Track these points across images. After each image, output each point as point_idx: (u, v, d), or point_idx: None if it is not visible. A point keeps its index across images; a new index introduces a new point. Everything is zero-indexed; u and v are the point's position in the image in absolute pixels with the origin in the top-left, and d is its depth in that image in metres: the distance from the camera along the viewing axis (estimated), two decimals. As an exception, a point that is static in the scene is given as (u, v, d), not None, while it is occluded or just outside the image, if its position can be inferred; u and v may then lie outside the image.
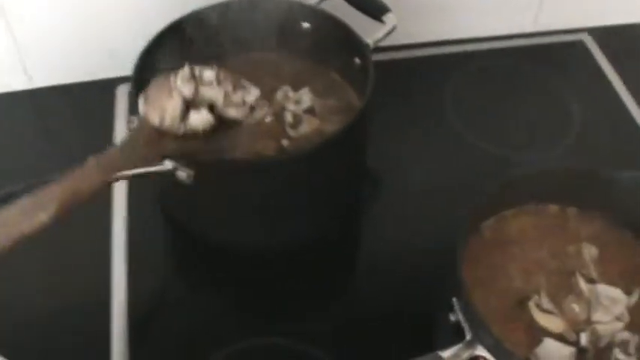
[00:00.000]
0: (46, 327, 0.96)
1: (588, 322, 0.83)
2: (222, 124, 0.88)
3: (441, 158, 1.18)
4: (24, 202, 0.77)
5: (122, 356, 0.93)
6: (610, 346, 0.81)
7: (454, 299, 0.79)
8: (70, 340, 0.95)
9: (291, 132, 1.02)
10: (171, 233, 1.09)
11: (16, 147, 1.16)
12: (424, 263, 1.02)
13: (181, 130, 0.85)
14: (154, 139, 0.85)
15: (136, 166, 0.83)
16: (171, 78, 0.86)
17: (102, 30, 1.20)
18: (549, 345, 0.80)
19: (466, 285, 0.79)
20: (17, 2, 1.14)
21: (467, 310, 0.77)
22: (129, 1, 1.18)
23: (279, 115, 1.04)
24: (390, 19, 1.05)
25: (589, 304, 0.83)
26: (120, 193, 1.09)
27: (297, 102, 1.04)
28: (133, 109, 0.93)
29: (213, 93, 0.87)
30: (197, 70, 0.88)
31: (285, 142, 1.00)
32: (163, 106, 0.85)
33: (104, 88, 1.24)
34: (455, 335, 0.78)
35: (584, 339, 0.80)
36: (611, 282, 0.85)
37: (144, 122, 0.86)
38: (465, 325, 0.77)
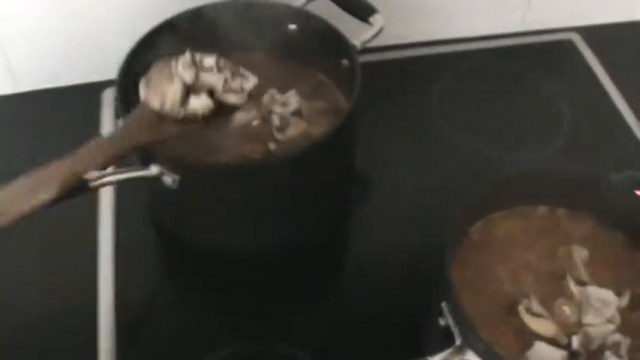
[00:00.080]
0: (32, 333, 0.95)
1: (579, 324, 0.82)
2: (221, 110, 0.91)
3: (430, 159, 1.18)
4: (26, 181, 0.78)
5: (110, 362, 0.93)
6: (601, 349, 0.80)
7: (443, 303, 0.78)
8: (57, 346, 0.94)
9: (279, 135, 1.01)
10: (159, 238, 1.09)
11: (0, 151, 1.16)
12: (413, 265, 1.01)
13: (181, 114, 0.88)
14: (154, 123, 0.87)
15: (135, 149, 0.86)
16: (173, 63, 0.89)
17: (89, 33, 1.20)
18: (540, 349, 0.79)
19: (455, 289, 0.78)
20: (2, 6, 1.13)
21: (456, 314, 0.77)
22: (116, 4, 1.17)
23: (266, 118, 1.03)
24: (377, 20, 1.05)
25: (580, 306, 0.83)
26: (107, 198, 1.09)
27: (284, 104, 1.04)
28: (118, 112, 0.93)
29: (213, 79, 0.90)
30: (197, 56, 0.91)
31: (272, 146, 1.00)
32: (164, 90, 0.87)
33: (90, 92, 1.23)
34: (445, 340, 0.77)
35: (575, 342, 0.80)
36: (601, 284, 0.85)
37: (144, 106, 0.88)
38: (455, 330, 0.76)
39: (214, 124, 0.92)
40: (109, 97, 1.22)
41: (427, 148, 1.19)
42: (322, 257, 1.07)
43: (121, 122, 0.89)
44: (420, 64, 1.34)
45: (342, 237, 1.11)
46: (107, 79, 1.19)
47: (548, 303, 0.83)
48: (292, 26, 1.09)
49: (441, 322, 0.78)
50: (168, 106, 0.87)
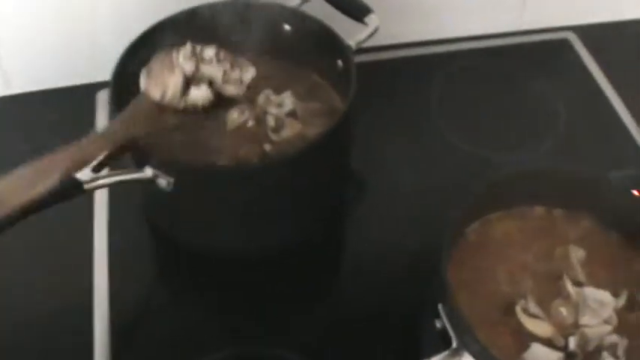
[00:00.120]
0: (26, 335, 0.95)
1: (576, 325, 0.82)
2: (220, 101, 0.94)
3: (426, 159, 1.18)
4: (27, 170, 0.80)
5: (105, 364, 0.92)
6: (599, 350, 0.80)
7: (440, 305, 0.78)
8: (52, 348, 0.94)
9: (274, 136, 1.00)
10: (154, 240, 1.08)
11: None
12: (410, 265, 1.01)
13: (181, 105, 0.91)
14: (154, 113, 0.90)
15: (136, 139, 0.87)
16: (174, 55, 0.91)
17: (82, 34, 1.19)
18: (537, 350, 0.79)
19: (451, 290, 0.78)
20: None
21: (452, 315, 0.77)
22: (110, 5, 1.17)
23: (260, 119, 1.02)
24: (372, 20, 1.05)
25: (577, 307, 0.82)
26: (101, 200, 1.08)
27: (279, 105, 1.03)
28: (113, 114, 0.93)
29: (212, 70, 0.93)
30: (198, 48, 0.93)
31: (267, 147, 0.99)
32: (165, 81, 0.90)
33: (84, 93, 1.22)
34: (441, 341, 0.77)
35: (572, 343, 0.79)
36: (598, 284, 0.85)
37: (144, 96, 0.91)
38: (451, 332, 0.76)
39: (213, 114, 0.94)
40: (103, 98, 1.21)
41: (423, 148, 1.19)
42: (318, 258, 1.06)
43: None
44: (415, 64, 1.33)
45: (338, 237, 1.11)
46: (101, 80, 1.18)
47: (545, 304, 0.83)
48: (287, 27, 1.08)
49: (438, 324, 0.78)
50: (169, 96, 0.89)
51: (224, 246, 1.03)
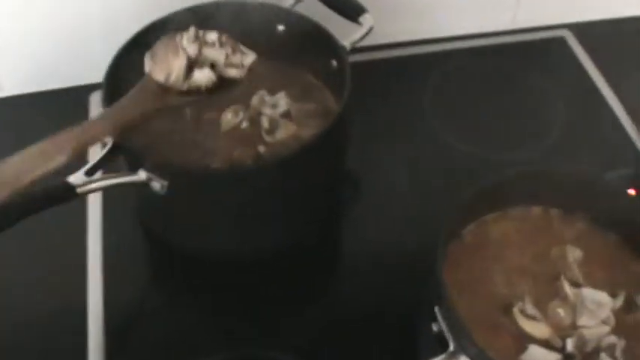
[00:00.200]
0: (20, 336, 0.95)
1: (574, 326, 0.81)
2: (222, 83, 0.95)
3: (422, 159, 1.17)
4: (36, 149, 0.82)
5: (99, 367, 0.92)
6: (596, 351, 0.79)
7: (436, 308, 0.78)
8: (46, 350, 0.94)
9: (268, 137, 1.00)
10: (148, 242, 1.08)
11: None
12: (406, 266, 1.01)
13: (185, 87, 0.93)
14: (159, 94, 0.92)
15: (142, 117, 0.90)
16: (177, 38, 0.94)
17: (75, 36, 1.19)
18: (535, 352, 0.79)
19: (448, 292, 0.78)
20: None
21: (449, 318, 0.76)
22: (102, 7, 1.16)
23: (255, 121, 1.02)
24: (366, 19, 1.05)
25: (574, 308, 0.82)
26: (95, 203, 1.08)
27: (274, 106, 1.03)
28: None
29: (215, 53, 0.95)
30: (201, 32, 0.95)
31: (261, 148, 0.99)
32: (170, 64, 0.92)
33: (77, 96, 1.22)
34: (438, 345, 0.76)
35: (570, 344, 0.79)
36: (596, 285, 0.84)
37: (149, 79, 0.93)
38: (448, 335, 0.76)
39: (216, 96, 0.95)
40: (96, 100, 1.20)
41: (419, 148, 1.19)
42: (314, 258, 1.06)
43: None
44: (410, 63, 1.33)
45: (334, 238, 1.10)
46: (94, 82, 1.17)
47: (542, 305, 0.83)
48: (281, 27, 1.08)
49: (434, 327, 0.77)
50: (173, 78, 0.91)
51: (218, 248, 1.03)
